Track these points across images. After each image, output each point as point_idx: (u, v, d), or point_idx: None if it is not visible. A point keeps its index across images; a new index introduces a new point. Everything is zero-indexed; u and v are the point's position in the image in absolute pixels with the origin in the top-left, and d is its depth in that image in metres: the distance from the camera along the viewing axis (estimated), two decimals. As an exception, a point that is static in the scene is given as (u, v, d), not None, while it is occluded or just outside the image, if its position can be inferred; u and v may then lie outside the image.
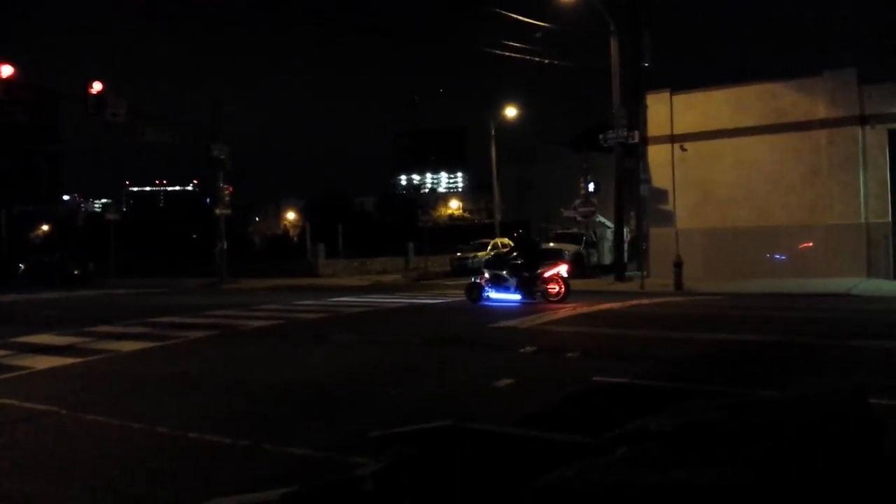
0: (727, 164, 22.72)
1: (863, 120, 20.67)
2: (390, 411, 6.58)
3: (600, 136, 23.67)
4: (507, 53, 25.10)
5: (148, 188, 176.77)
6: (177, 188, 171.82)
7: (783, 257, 21.88)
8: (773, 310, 14.37)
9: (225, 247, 29.86)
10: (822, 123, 21.23)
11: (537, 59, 25.05)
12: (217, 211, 29.98)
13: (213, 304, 17.95)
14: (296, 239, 52.86)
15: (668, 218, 23.60)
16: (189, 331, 12.60)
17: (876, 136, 20.55)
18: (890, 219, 20.46)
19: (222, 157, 29.59)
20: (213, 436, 5.76)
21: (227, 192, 30.09)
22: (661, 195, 23.63)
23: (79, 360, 9.75)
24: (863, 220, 20.68)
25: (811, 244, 21.41)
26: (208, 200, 35.04)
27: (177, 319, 14.55)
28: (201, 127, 30.93)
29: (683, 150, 23.39)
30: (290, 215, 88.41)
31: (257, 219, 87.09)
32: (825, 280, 19.76)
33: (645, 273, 21.90)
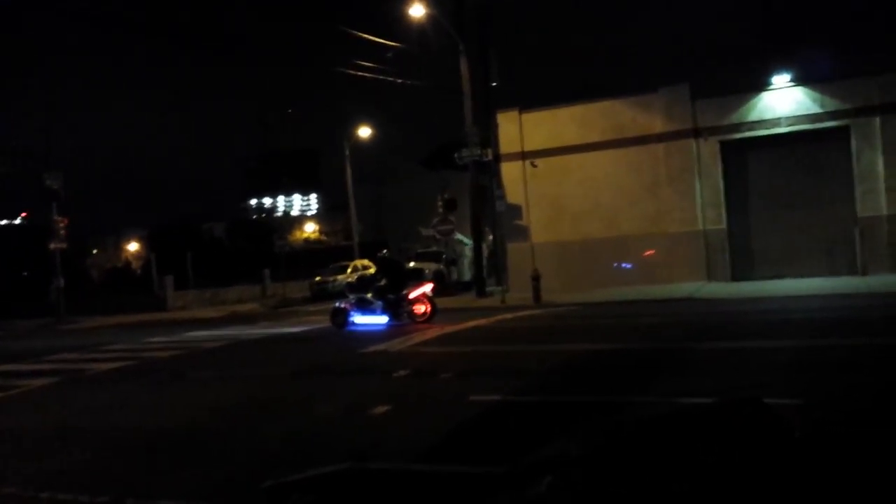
0: (576, 179, 23.70)
1: (696, 133, 22.19)
2: (266, 451, 6.20)
3: (455, 155, 24.03)
4: (358, 73, 25.04)
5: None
6: (3, 222, 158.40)
7: (630, 266, 23.05)
8: (629, 317, 15.04)
9: (62, 284, 27.66)
10: (660, 137, 22.60)
11: (390, 78, 25.15)
12: (52, 246, 27.70)
13: (54, 347, 16.48)
14: (139, 271, 50.05)
15: (523, 232, 24.27)
16: (30, 379, 11.45)
17: (709, 148, 22.14)
18: (725, 225, 22.03)
19: (56, 187, 27.43)
20: (68, 494, 5.21)
21: (62, 224, 27.88)
22: (516, 211, 24.27)
23: None
24: (701, 227, 22.16)
25: (654, 252, 22.70)
26: (41, 234, 32.43)
27: (14, 367, 13.26)
28: (30, 154, 28.61)
29: (534, 166, 24.17)
30: (133, 246, 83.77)
31: (95, 251, 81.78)
32: (670, 285, 21.00)
33: (505, 287, 22.36)
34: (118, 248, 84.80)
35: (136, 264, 60.62)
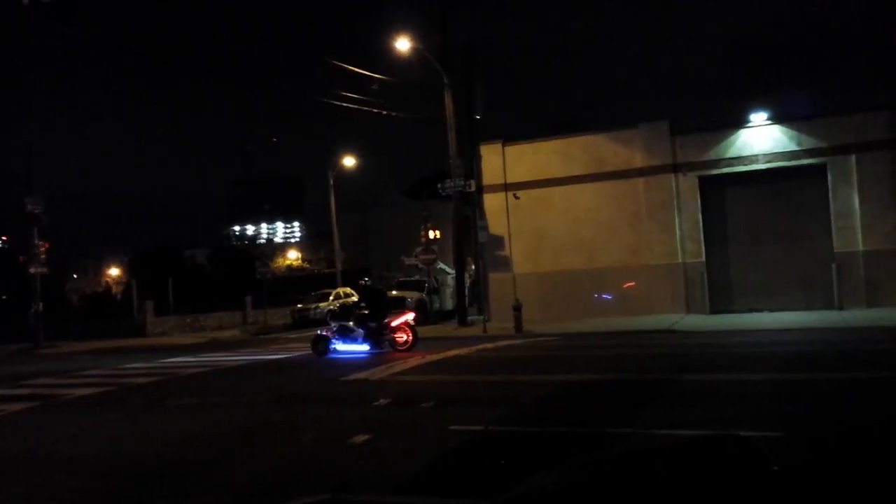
0: (557, 211, 23.94)
1: (675, 168, 22.56)
2: (245, 479, 6.19)
3: (439, 186, 24.22)
4: (343, 104, 25.22)
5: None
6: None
7: (610, 297, 23.23)
8: (609, 348, 15.13)
9: (41, 308, 27.39)
10: (640, 172, 22.94)
11: (375, 109, 25.36)
12: (32, 270, 27.49)
13: (31, 372, 16.30)
14: (119, 296, 49.57)
15: (505, 263, 24.43)
16: (5, 403, 11.31)
17: (688, 183, 22.49)
18: (704, 258, 22.32)
19: (37, 211, 27.29)
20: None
21: (42, 248, 27.69)
22: (498, 241, 24.45)
23: None
24: (680, 260, 22.44)
25: (634, 284, 22.91)
26: (21, 258, 32.20)
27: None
28: (11, 179, 28.52)
29: (517, 198, 24.40)
30: (114, 271, 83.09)
31: (75, 276, 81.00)
32: (649, 317, 21.18)
33: (486, 317, 22.43)
34: (99, 273, 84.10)
35: (116, 289, 60.06)
